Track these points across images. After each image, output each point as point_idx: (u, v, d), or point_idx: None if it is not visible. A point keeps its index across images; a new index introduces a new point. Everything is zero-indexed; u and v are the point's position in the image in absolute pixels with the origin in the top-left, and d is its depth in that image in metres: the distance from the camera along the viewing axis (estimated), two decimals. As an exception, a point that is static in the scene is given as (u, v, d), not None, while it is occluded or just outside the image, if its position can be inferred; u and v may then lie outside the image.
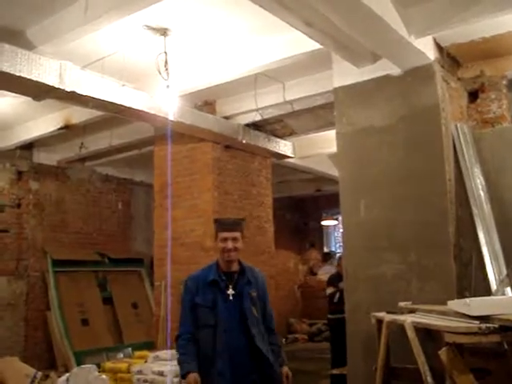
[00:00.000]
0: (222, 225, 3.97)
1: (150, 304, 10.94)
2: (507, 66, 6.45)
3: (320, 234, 17.23)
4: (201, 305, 3.83)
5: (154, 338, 8.70)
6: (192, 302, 3.87)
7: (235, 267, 3.94)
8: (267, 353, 3.85)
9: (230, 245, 3.82)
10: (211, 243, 8.14)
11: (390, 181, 5.93)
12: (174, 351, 7.61)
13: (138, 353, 8.41)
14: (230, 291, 3.86)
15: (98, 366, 7.81)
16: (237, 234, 3.88)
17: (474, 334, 3.73)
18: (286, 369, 4.02)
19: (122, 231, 12.28)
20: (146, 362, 7.51)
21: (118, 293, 11.18)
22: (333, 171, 10.37)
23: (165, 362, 7.14)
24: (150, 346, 8.87)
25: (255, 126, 8.67)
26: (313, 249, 16.91)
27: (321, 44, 5.61)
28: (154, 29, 6.04)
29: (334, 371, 7.45)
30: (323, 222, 16.56)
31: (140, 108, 6.81)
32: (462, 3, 5.11)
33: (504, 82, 6.50)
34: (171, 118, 7.00)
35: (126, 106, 6.68)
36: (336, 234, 17.13)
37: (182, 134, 8.12)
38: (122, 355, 9.12)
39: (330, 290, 8.23)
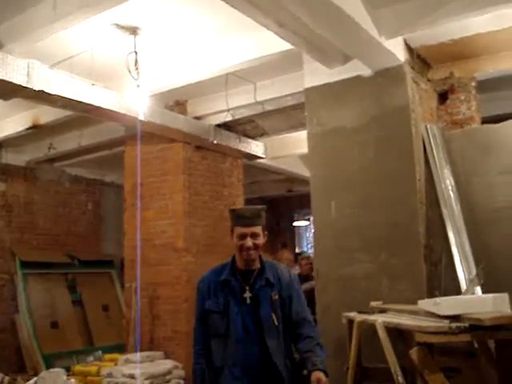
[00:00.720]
0: (239, 218, 3.33)
1: (121, 306, 10.82)
2: (476, 68, 6.52)
3: (292, 234, 17.26)
4: (211, 310, 3.33)
5: (124, 340, 8.61)
6: (203, 307, 3.38)
7: (255, 265, 3.38)
8: (283, 369, 3.26)
9: (249, 242, 3.26)
10: (183, 244, 8.11)
11: (360, 181, 5.95)
12: (144, 353, 7.62)
13: (108, 355, 8.34)
14: (247, 294, 3.31)
15: (68, 369, 7.73)
16: (257, 229, 3.30)
17: (444, 333, 3.75)
18: (318, 374, 3.14)
19: (92, 232, 12.14)
20: (116, 364, 7.46)
21: (88, 295, 11.06)
22: (304, 172, 10.37)
23: (135, 365, 7.10)
24: (121, 348, 8.79)
25: (226, 126, 8.64)
26: (285, 249, 16.80)
27: (292, 44, 5.60)
28: (123, 28, 5.97)
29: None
30: (295, 223, 16.60)
31: (109, 107, 6.72)
32: (431, 5, 5.14)
33: (473, 84, 6.56)
34: (141, 117, 6.94)
35: (95, 106, 6.59)
36: (308, 235, 17.17)
37: (153, 134, 8.06)
38: (92, 358, 9.02)
39: None
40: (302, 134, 7.08)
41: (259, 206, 3.43)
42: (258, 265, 3.38)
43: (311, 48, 5.68)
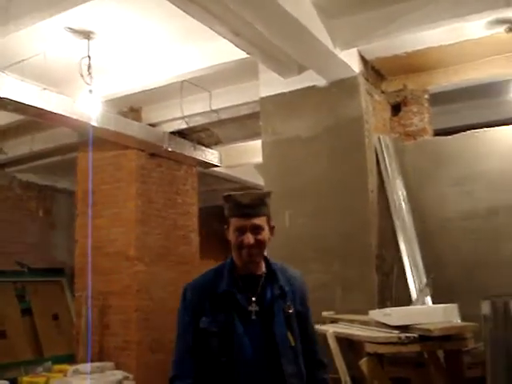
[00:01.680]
0: (235, 207, 2.50)
1: (72, 315, 10.60)
2: (429, 81, 6.64)
3: (247, 243, 17.23)
4: (209, 332, 2.48)
5: (74, 350, 8.43)
6: (195, 326, 2.51)
7: (260, 269, 2.58)
8: None
9: (249, 238, 2.46)
10: (134, 253, 8.00)
11: (314, 191, 5.97)
12: (94, 364, 7.47)
13: (57, 366, 8.15)
14: (253, 307, 2.49)
15: (15, 380, 7.52)
16: (260, 220, 2.49)
17: (394, 343, 3.78)
18: None
19: (42, 240, 11.85)
20: (65, 375, 7.29)
21: (38, 304, 10.78)
22: (259, 181, 10.37)
23: (85, 376, 6.96)
24: (71, 359, 8.60)
25: (181, 134, 8.57)
26: (239, 258, 16.89)
27: (247, 53, 5.60)
28: (77, 31, 5.87)
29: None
30: (250, 232, 16.59)
31: (61, 112, 6.60)
32: (385, 18, 5.21)
33: (426, 96, 6.68)
34: (94, 123, 6.83)
35: (46, 110, 6.46)
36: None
37: (106, 141, 7.93)
38: (41, 369, 8.79)
39: None
40: (258, 143, 7.08)
41: (262, 191, 2.69)
42: (263, 268, 2.60)
43: (267, 58, 5.69)
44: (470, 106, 7.76)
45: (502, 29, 5.61)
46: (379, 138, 6.11)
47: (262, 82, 6.40)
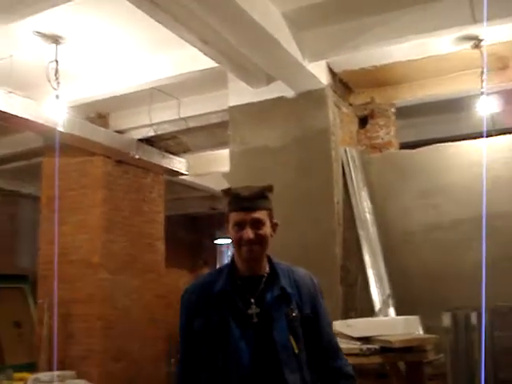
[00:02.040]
0: (234, 201, 2.35)
1: (34, 323, 10.43)
2: (395, 95, 6.72)
3: (214, 252, 17.19)
4: (201, 333, 2.32)
5: (36, 358, 8.28)
6: (189, 329, 2.37)
7: (262, 269, 2.40)
8: None
9: (248, 233, 2.29)
10: (99, 260, 7.90)
11: (281, 201, 5.89)
12: (55, 373, 7.35)
13: (18, 374, 7.99)
14: (253, 309, 2.29)
15: (-27, 388, 7.36)
16: (261, 214, 2.32)
17: (356, 355, 3.79)
18: None
19: (5, 245, 11.65)
20: (25, 384, 7.15)
21: (0, 311, 10.60)
22: (228, 190, 10.36)
23: (45, 385, 6.84)
24: (33, 367, 8.44)
25: (149, 141, 8.52)
26: (206, 267, 16.82)
27: (216, 62, 5.61)
28: (45, 36, 5.80)
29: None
30: (217, 241, 16.56)
31: (27, 117, 6.52)
32: (354, 31, 5.26)
33: (392, 110, 6.77)
34: (60, 128, 6.72)
35: (11, 114, 6.37)
36: (229, 253, 17.16)
37: (73, 147, 7.83)
38: (2, 377, 8.62)
39: None
40: (226, 152, 7.07)
41: (264, 185, 2.45)
42: (266, 268, 2.41)
43: (235, 67, 5.70)
44: (436, 120, 7.89)
45: (468, 45, 5.71)
46: (346, 150, 6.16)
47: (231, 91, 6.41)
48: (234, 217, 2.33)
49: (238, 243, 2.32)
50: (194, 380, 2.34)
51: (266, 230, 2.33)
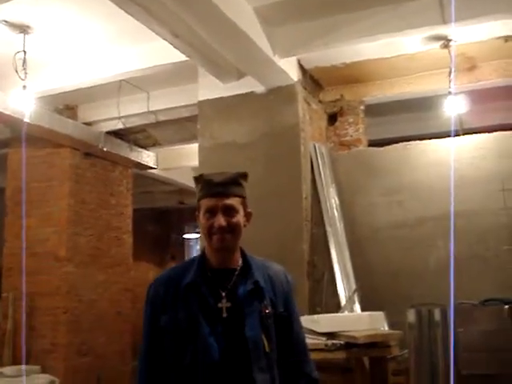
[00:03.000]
0: (206, 185, 2.22)
1: (-1, 317, 10.29)
2: (365, 92, 6.77)
3: (182, 246, 17.15)
4: (168, 330, 2.18)
5: (0, 352, 8.17)
6: (154, 325, 2.23)
7: (234, 261, 2.27)
8: None
9: (220, 220, 2.16)
10: (65, 253, 7.82)
11: (249, 197, 5.96)
12: (19, 367, 7.24)
13: (-20, 369, 7.89)
14: (223, 303, 2.16)
15: None
16: (233, 201, 2.19)
17: (321, 350, 3.82)
18: None
19: (-31, 238, 11.48)
20: (-13, 378, 7.05)
21: (-38, 304, 10.43)
22: (196, 184, 10.33)
23: (10, 379, 6.74)
24: (-3, 361, 8.34)
25: (117, 134, 8.44)
26: (174, 261, 16.77)
27: (187, 56, 5.57)
28: (13, 25, 5.70)
29: None
30: (185, 235, 16.52)
31: (-8, 107, 6.42)
32: (325, 28, 5.28)
33: (362, 107, 6.82)
34: (27, 120, 6.63)
35: (-24, 105, 6.27)
36: (198, 247, 17.13)
37: (40, 138, 7.73)
38: (-34, 371, 8.49)
39: None
40: (195, 147, 7.05)
41: (238, 172, 2.31)
42: (239, 261, 2.28)
43: (206, 61, 5.67)
44: (404, 118, 7.98)
45: (437, 45, 5.79)
46: (314, 146, 6.19)
47: (201, 85, 6.39)
48: (205, 203, 2.19)
49: (208, 231, 2.18)
50: (158, 378, 2.21)
51: (239, 218, 2.20)
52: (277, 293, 2.26)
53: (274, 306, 2.22)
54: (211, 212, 2.17)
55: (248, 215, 2.27)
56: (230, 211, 2.17)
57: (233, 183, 2.21)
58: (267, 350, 2.15)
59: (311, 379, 2.30)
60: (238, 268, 2.24)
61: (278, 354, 2.20)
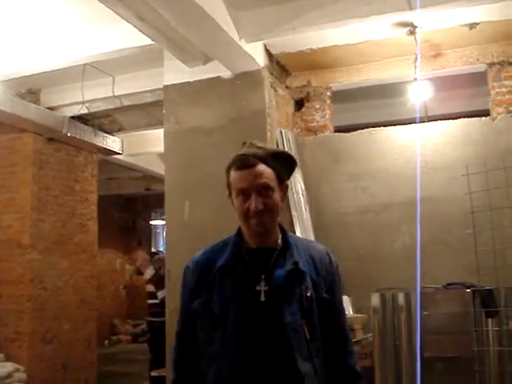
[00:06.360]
0: (236, 159, 2.07)
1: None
2: (332, 78, 6.77)
3: (148, 233, 17.09)
4: (198, 314, 2.08)
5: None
6: (188, 309, 2.14)
7: (274, 241, 2.10)
8: None
9: (256, 202, 2.00)
10: (29, 240, 7.70)
11: (216, 183, 5.81)
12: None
13: None
14: (262, 286, 1.99)
15: None
16: (266, 177, 2.02)
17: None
18: None
19: None
20: None
21: None
22: (163, 170, 10.24)
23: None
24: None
25: (82, 119, 8.30)
26: (140, 248, 16.70)
27: (152, 40, 5.49)
28: (-28, 6, 5.58)
29: (153, 373, 7.35)
30: (152, 222, 16.45)
31: (-48, 91, 6.26)
32: (291, 13, 5.25)
33: (328, 93, 6.82)
34: (-12, 104, 6.52)
35: None
36: (164, 234, 17.07)
37: (2, 123, 7.58)
38: None
39: (163, 294, 7.59)
40: (161, 132, 6.99)
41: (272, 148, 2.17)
42: (278, 240, 2.11)
43: (172, 45, 5.60)
44: (370, 105, 8.02)
45: (403, 31, 5.80)
46: (281, 132, 6.18)
47: (167, 69, 6.30)
48: (236, 179, 2.04)
49: (245, 215, 2.04)
50: (188, 364, 2.12)
51: (276, 196, 2.04)
52: (320, 273, 2.10)
53: (316, 289, 2.05)
54: (245, 193, 2.02)
55: (284, 188, 2.12)
56: (265, 191, 2.01)
57: (265, 157, 2.04)
58: (308, 335, 1.97)
59: (355, 373, 2.12)
60: (278, 248, 2.08)
61: (322, 344, 2.03)
